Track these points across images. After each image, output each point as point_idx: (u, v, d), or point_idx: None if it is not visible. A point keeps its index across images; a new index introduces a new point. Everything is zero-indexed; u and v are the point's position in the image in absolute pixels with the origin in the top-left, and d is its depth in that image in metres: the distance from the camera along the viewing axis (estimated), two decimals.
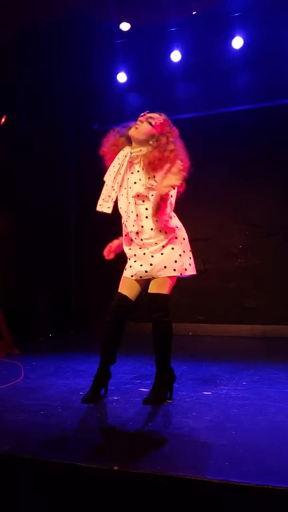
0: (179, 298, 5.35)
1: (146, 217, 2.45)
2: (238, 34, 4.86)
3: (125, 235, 2.57)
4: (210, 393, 2.69)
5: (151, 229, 2.45)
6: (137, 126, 2.49)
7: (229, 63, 5.07)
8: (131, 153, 2.49)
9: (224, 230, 5.36)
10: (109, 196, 2.50)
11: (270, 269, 5.17)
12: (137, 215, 2.45)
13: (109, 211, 2.49)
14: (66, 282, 5.70)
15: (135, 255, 2.50)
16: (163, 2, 3.77)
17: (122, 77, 5.40)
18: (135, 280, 2.51)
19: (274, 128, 5.11)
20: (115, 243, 2.68)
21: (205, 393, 2.69)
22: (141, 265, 2.46)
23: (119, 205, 2.51)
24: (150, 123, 2.47)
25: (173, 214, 2.55)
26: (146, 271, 2.45)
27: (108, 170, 2.55)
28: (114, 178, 2.49)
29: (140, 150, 2.47)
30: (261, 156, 5.17)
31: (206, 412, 2.29)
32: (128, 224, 2.48)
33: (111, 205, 2.48)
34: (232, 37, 4.89)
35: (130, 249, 2.54)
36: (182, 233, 2.56)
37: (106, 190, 2.51)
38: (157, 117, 2.50)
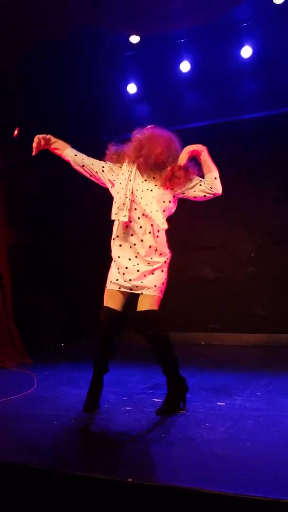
0: (191, 307, 5.33)
1: (149, 232, 2.47)
2: (246, 43, 4.88)
3: (119, 245, 2.53)
4: (223, 403, 2.66)
5: (150, 246, 2.47)
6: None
7: (238, 72, 5.09)
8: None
9: (235, 238, 5.34)
10: (123, 204, 2.50)
11: (282, 277, 5.12)
12: (140, 226, 2.47)
13: (125, 219, 2.48)
14: (77, 290, 5.71)
15: (126, 267, 2.48)
16: (172, 14, 3.81)
17: (132, 88, 5.46)
18: (121, 291, 2.50)
19: (283, 135, 5.10)
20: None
21: (218, 403, 2.66)
22: (130, 280, 2.47)
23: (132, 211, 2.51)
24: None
25: (165, 239, 2.56)
26: (137, 286, 2.46)
27: (118, 179, 2.57)
28: (126, 185, 2.51)
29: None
30: (271, 163, 5.16)
31: (220, 423, 2.27)
32: (136, 229, 2.48)
33: (127, 213, 2.48)
34: (241, 46, 4.91)
35: (119, 257, 2.51)
36: (169, 260, 2.57)
37: (119, 198, 2.51)
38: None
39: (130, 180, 2.51)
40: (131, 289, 2.47)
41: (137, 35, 4.66)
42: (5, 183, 4.41)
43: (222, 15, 4.17)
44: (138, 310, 2.45)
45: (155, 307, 2.45)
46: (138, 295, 2.48)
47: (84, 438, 2.15)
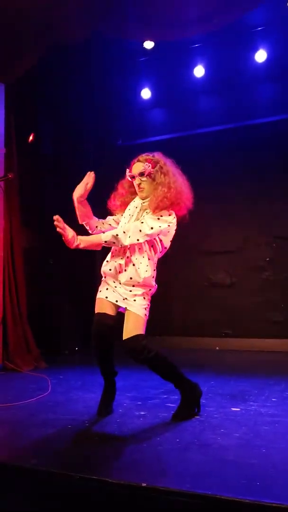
0: (206, 312, 5.30)
1: (133, 264, 2.43)
2: (261, 47, 4.88)
3: (109, 269, 2.51)
4: (238, 409, 2.63)
5: (130, 278, 2.43)
6: (141, 188, 2.49)
7: (252, 77, 5.08)
8: (143, 203, 2.51)
9: (251, 243, 5.30)
10: None
11: None
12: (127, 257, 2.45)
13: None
14: (91, 294, 5.73)
15: (115, 287, 2.48)
16: (186, 20, 3.82)
17: (146, 94, 5.49)
18: (109, 301, 2.48)
19: None
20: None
21: (233, 409, 2.63)
22: (114, 297, 2.47)
23: None
24: (143, 174, 2.48)
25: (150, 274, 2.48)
26: (124, 299, 2.44)
27: (120, 222, 2.56)
28: (128, 221, 2.49)
29: (153, 196, 2.46)
30: (287, 167, 5.11)
31: (235, 429, 2.24)
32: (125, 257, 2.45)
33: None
34: (255, 51, 4.90)
35: (110, 269, 2.50)
36: (152, 291, 2.51)
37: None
38: (144, 165, 2.49)
39: (132, 216, 2.50)
40: (117, 301, 2.45)
41: (151, 40, 4.69)
42: (20, 189, 4.46)
43: (236, 20, 4.16)
44: (123, 338, 2.38)
45: (140, 331, 2.38)
46: (123, 315, 2.45)
47: (98, 442, 2.15)
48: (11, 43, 3.86)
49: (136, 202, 2.54)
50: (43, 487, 1.76)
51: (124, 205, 2.62)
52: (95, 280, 6.04)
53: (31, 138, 4.48)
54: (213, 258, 5.34)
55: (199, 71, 5.15)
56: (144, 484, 1.59)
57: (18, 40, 3.84)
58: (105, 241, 2.38)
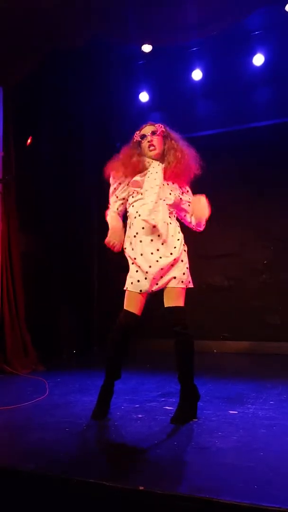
0: (203, 316, 5.30)
1: (166, 223, 2.50)
2: (258, 51, 4.91)
3: (140, 241, 2.47)
4: (236, 412, 2.63)
5: (172, 235, 2.50)
6: (153, 146, 2.56)
7: (250, 80, 5.11)
8: (159, 165, 2.56)
9: (247, 246, 5.31)
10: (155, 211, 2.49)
11: None
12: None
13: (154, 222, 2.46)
14: (89, 298, 5.73)
15: (150, 266, 2.42)
16: (184, 24, 3.84)
17: (144, 97, 5.50)
18: (142, 294, 2.48)
19: None
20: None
21: (231, 412, 2.63)
22: (154, 278, 2.43)
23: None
24: (155, 133, 2.59)
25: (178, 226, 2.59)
26: (157, 284, 2.46)
27: (145, 185, 2.50)
28: (157, 193, 2.47)
29: (168, 163, 2.53)
30: (284, 170, 5.14)
31: (232, 432, 2.24)
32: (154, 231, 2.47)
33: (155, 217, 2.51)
34: (253, 54, 4.93)
35: (141, 254, 2.45)
36: (185, 246, 2.60)
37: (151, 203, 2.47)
38: (156, 126, 2.62)
39: (161, 188, 2.51)
40: (152, 291, 2.46)
41: (149, 44, 4.71)
42: (18, 192, 4.47)
43: (234, 24, 4.18)
44: (165, 306, 2.48)
45: (179, 303, 2.48)
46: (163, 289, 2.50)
47: (96, 445, 2.14)
48: (12, 47, 3.87)
49: (155, 167, 2.54)
50: (40, 491, 1.75)
51: (133, 170, 2.54)
52: (94, 283, 6.06)
53: (29, 141, 4.48)
54: (210, 261, 5.35)
55: (197, 74, 5.18)
56: (141, 488, 1.58)
57: (19, 44, 3.86)
58: None
